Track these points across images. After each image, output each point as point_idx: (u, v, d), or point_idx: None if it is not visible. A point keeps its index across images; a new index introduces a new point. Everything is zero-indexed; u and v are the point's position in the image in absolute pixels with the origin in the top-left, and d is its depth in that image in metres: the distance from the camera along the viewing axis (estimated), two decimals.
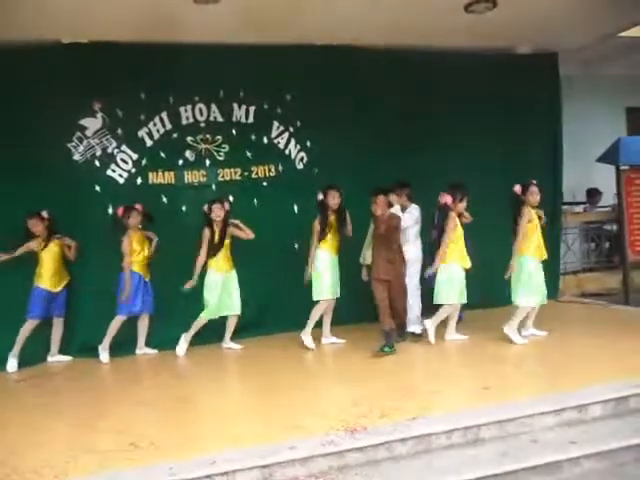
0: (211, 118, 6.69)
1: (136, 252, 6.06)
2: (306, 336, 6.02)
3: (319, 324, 6.15)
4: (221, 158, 6.73)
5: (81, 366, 5.97)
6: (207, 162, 6.69)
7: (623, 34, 7.43)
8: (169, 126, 6.55)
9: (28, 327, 5.90)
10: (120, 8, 5.44)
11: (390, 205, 5.85)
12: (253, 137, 6.83)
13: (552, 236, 7.51)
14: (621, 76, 9.24)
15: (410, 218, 6.06)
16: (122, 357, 6.11)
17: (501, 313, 6.22)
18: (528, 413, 4.01)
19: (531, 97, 7.65)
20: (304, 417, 4.13)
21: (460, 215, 5.99)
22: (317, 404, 4.43)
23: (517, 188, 5.78)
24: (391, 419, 3.97)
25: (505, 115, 7.53)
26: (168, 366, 5.86)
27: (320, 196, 6.01)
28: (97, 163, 6.35)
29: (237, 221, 6.19)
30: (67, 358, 6.16)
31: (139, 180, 6.48)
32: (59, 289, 6.04)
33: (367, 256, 6.12)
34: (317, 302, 6.04)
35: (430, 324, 5.89)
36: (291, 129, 6.95)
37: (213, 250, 6.06)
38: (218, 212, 6.06)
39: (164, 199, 6.56)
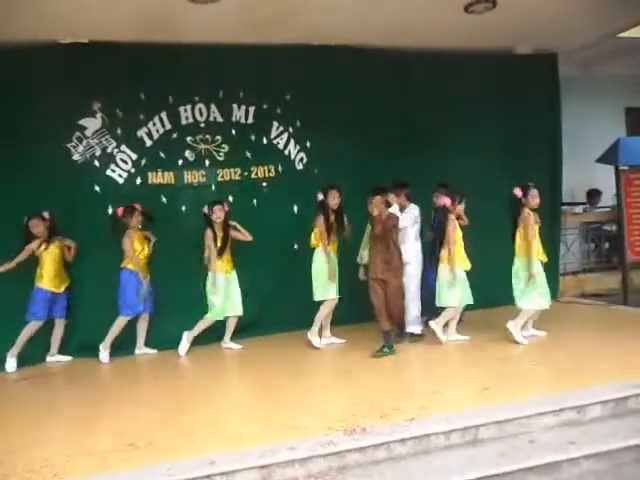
0: (211, 118, 6.68)
1: (137, 252, 6.06)
2: (313, 336, 6.03)
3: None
4: (221, 158, 6.73)
5: (80, 366, 5.97)
6: (207, 162, 6.68)
7: (622, 35, 7.43)
8: (169, 126, 6.55)
9: (31, 328, 5.90)
10: (120, 8, 5.45)
11: (388, 205, 5.84)
12: (253, 137, 6.83)
13: (552, 237, 7.53)
14: (620, 76, 9.24)
15: (409, 218, 6.05)
16: (121, 357, 6.11)
17: (501, 313, 6.23)
18: (527, 413, 4.01)
19: (530, 97, 7.66)
20: (303, 417, 4.13)
21: (458, 217, 5.99)
22: (316, 404, 4.42)
23: (517, 191, 5.74)
24: (390, 419, 3.97)
25: (504, 115, 7.54)
26: (167, 366, 5.86)
27: (320, 196, 6.01)
28: (96, 163, 6.35)
29: (235, 223, 6.20)
30: (66, 358, 6.16)
31: (138, 180, 6.48)
32: (61, 290, 6.05)
33: (364, 256, 6.12)
34: (316, 302, 6.04)
35: (435, 325, 5.89)
36: (291, 129, 6.95)
37: (219, 251, 6.07)
38: (219, 213, 6.07)
39: (163, 199, 6.55)
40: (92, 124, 6.31)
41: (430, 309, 6.34)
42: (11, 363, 5.86)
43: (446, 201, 5.90)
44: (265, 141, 6.87)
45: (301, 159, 7.01)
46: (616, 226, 8.59)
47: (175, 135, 6.57)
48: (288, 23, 6.08)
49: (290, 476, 3.53)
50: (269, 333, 6.61)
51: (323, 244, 5.96)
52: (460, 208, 6.05)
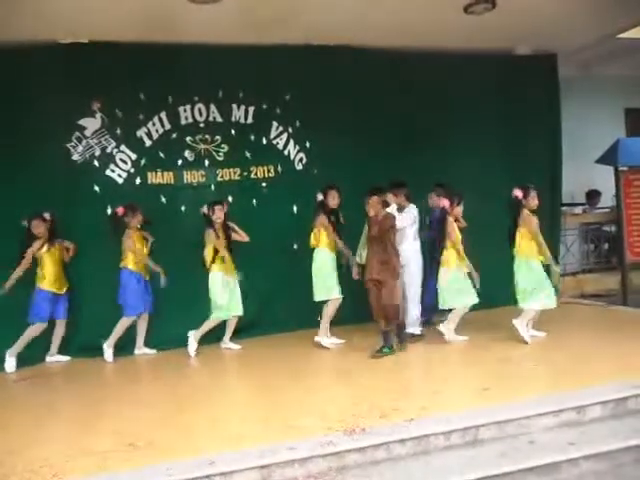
0: (210, 118, 6.69)
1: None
2: (322, 337, 6.03)
3: (317, 324, 6.14)
4: (220, 158, 6.73)
5: (80, 366, 5.97)
6: (206, 162, 6.69)
7: (622, 35, 7.44)
8: (168, 126, 6.55)
9: (35, 330, 5.90)
10: (120, 8, 5.45)
11: (386, 205, 5.83)
12: (252, 137, 6.84)
13: (551, 237, 7.52)
14: (620, 77, 9.25)
15: (408, 218, 6.03)
16: (121, 357, 6.10)
17: (501, 313, 6.22)
18: (527, 414, 4.01)
19: (530, 98, 7.67)
20: (303, 417, 4.12)
21: (456, 219, 5.99)
22: (316, 404, 4.42)
23: (518, 193, 5.74)
24: (390, 420, 3.97)
25: (504, 116, 7.55)
26: (166, 366, 5.85)
27: (320, 196, 6.01)
28: (96, 163, 6.35)
29: (232, 224, 6.19)
30: (66, 358, 6.16)
31: (138, 180, 6.48)
32: (63, 291, 6.06)
33: (364, 256, 6.11)
34: (316, 302, 6.05)
35: (443, 327, 5.91)
36: (290, 129, 6.95)
37: (222, 251, 6.06)
38: (219, 214, 6.06)
39: (163, 199, 6.56)
40: (92, 124, 6.32)
41: (430, 311, 6.35)
42: (10, 363, 5.86)
43: (445, 203, 5.90)
44: (265, 141, 6.88)
45: (300, 159, 7.01)
46: (615, 227, 8.60)
47: (175, 135, 6.57)
48: (288, 23, 6.08)
49: (290, 476, 3.52)
50: (269, 333, 6.61)
51: (330, 237, 5.98)
52: (458, 210, 6.05)
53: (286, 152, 6.96)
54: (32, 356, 5.99)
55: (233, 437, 3.88)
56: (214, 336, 6.26)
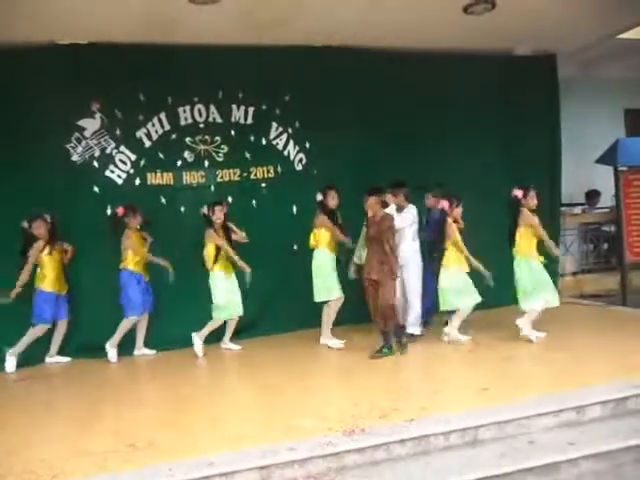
0: (210, 119, 6.69)
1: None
2: (328, 339, 6.04)
3: (317, 324, 6.15)
4: (220, 159, 6.73)
5: (79, 367, 5.96)
6: (206, 163, 6.69)
7: (622, 36, 7.45)
8: (168, 127, 6.55)
9: (38, 331, 5.89)
10: (119, 9, 5.44)
11: (385, 205, 5.82)
12: (252, 138, 6.84)
13: (551, 237, 7.49)
14: (620, 78, 9.26)
15: (408, 218, 6.04)
16: (120, 357, 6.10)
17: (501, 313, 6.22)
18: (527, 414, 4.01)
19: (530, 98, 7.66)
20: (303, 418, 4.12)
21: (455, 220, 5.99)
22: (316, 405, 4.42)
23: (518, 192, 5.75)
24: (390, 420, 3.97)
25: (504, 116, 7.55)
26: (166, 367, 5.85)
27: (319, 197, 6.01)
28: (95, 164, 6.35)
29: (231, 224, 6.19)
30: (65, 359, 6.15)
31: (138, 181, 6.48)
32: (65, 291, 6.06)
33: (363, 256, 6.10)
34: (316, 303, 6.05)
35: (449, 329, 5.90)
36: (290, 130, 6.95)
37: (228, 250, 6.05)
38: (219, 214, 6.05)
39: (163, 200, 6.55)
40: (91, 125, 6.32)
41: (430, 312, 6.34)
42: (10, 362, 5.85)
43: (444, 204, 5.90)
44: (264, 142, 6.88)
45: (300, 160, 7.01)
46: (615, 227, 8.59)
47: (174, 136, 6.57)
48: (288, 24, 6.07)
49: (289, 477, 3.52)
50: (269, 333, 6.61)
51: (337, 234, 5.99)
52: (458, 211, 6.04)
53: (286, 152, 6.96)
54: (32, 357, 5.98)
55: (233, 437, 3.88)
56: (214, 336, 6.26)
